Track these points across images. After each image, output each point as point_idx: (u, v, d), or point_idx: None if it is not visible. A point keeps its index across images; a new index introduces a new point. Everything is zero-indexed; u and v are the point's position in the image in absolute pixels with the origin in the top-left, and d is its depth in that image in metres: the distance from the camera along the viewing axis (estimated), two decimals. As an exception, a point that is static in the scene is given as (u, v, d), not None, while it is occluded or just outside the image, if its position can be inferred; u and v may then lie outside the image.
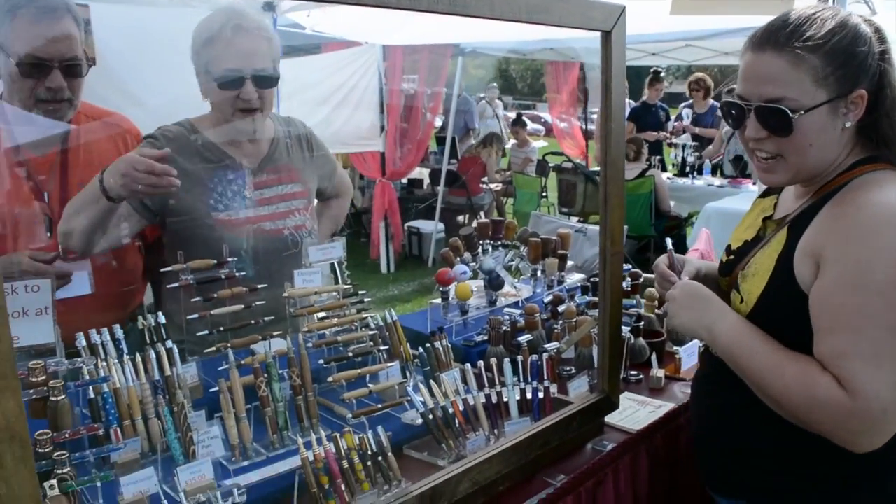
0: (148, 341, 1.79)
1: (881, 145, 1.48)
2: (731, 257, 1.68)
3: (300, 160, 2.39)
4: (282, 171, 2.31)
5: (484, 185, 9.23)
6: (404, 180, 9.45)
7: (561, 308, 2.28)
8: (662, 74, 8.71)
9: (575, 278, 2.85)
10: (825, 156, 1.45)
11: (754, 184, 7.44)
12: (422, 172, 10.11)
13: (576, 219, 7.43)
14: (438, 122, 10.21)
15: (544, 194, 8.92)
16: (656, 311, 2.55)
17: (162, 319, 1.81)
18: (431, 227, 8.15)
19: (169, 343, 1.75)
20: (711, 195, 7.13)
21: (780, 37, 1.41)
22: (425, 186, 10.04)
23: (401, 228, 8.06)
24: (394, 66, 7.31)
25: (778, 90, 1.40)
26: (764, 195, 1.76)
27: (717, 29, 6.33)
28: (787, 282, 1.44)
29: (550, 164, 8.86)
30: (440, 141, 9.81)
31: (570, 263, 2.85)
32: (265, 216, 2.24)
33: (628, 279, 2.56)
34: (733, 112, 1.49)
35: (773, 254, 1.49)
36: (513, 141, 9.90)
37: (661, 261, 1.78)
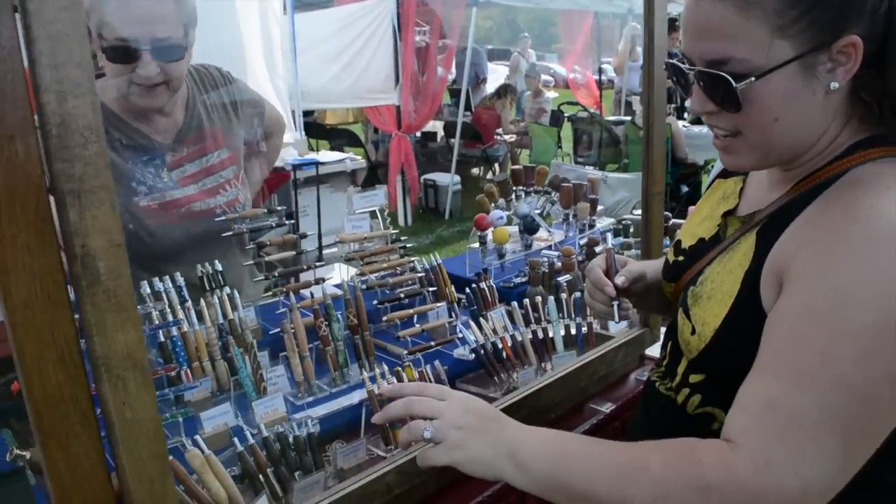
0: (208, 288, 1.86)
1: (890, 118, 1.03)
2: (681, 258, 1.28)
3: (223, 119, 2.09)
4: (205, 138, 2.03)
5: (498, 137, 9.23)
6: (418, 134, 9.45)
7: (597, 249, 2.34)
8: (678, 23, 8.62)
9: (605, 222, 2.90)
10: (802, 132, 1.04)
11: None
12: (435, 125, 10.11)
13: (591, 168, 7.46)
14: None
15: (560, 144, 8.92)
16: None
17: (219, 267, 1.88)
18: (447, 179, 8.19)
19: (227, 289, 1.84)
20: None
21: None
22: (439, 139, 10.05)
23: (417, 181, 8.10)
24: (407, 18, 7.27)
25: (720, 48, 0.99)
26: (725, 175, 1.32)
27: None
28: (756, 312, 1.03)
29: (566, 115, 8.84)
30: (453, 94, 9.79)
31: (599, 208, 2.90)
32: (193, 196, 1.98)
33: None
34: (676, 78, 1.10)
35: (737, 270, 1.08)
36: (527, 91, 9.86)
37: (597, 263, 1.46)
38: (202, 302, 1.77)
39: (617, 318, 1.43)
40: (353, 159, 5.72)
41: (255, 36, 5.88)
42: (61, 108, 0.83)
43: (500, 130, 9.32)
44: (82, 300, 0.89)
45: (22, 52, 0.81)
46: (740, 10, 0.96)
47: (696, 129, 7.77)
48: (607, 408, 1.71)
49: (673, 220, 2.71)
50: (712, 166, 7.12)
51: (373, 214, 2.20)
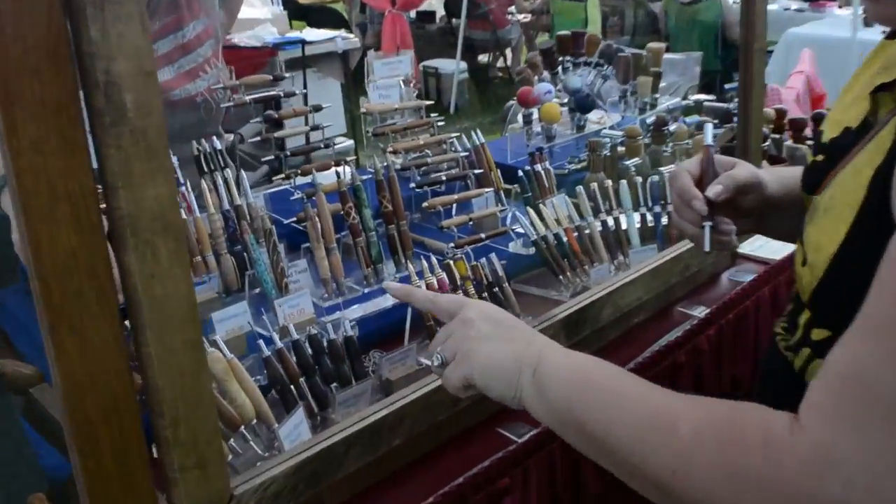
0: (206, 169, 1.77)
1: None
2: (820, 158, 1.03)
3: None
4: (179, 6, 1.96)
5: (511, 17, 9.00)
6: (412, 14, 9.20)
7: (672, 128, 2.25)
8: None
9: (670, 101, 2.81)
10: None
11: (841, 7, 7.25)
12: (432, 3, 9.84)
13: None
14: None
15: (585, 25, 8.71)
16: (773, 135, 2.53)
17: (218, 144, 1.79)
18: (452, 66, 7.99)
19: (230, 171, 1.75)
20: (788, 21, 6.94)
21: None
22: (438, 20, 9.80)
23: (416, 68, 7.91)
24: None
25: None
26: (892, 35, 1.01)
27: None
28: (884, 232, 0.76)
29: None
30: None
31: (662, 84, 2.80)
32: (170, 82, 1.95)
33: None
34: None
35: (866, 169, 0.86)
36: (545, -39, 9.56)
37: (687, 166, 1.21)
38: (203, 185, 1.68)
39: (707, 246, 1.15)
40: (344, 38, 5.54)
41: None
42: None
43: (512, 9, 9.08)
44: (104, 142, 0.81)
45: None
46: None
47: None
48: (700, 311, 1.65)
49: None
50: (771, 50, 6.95)
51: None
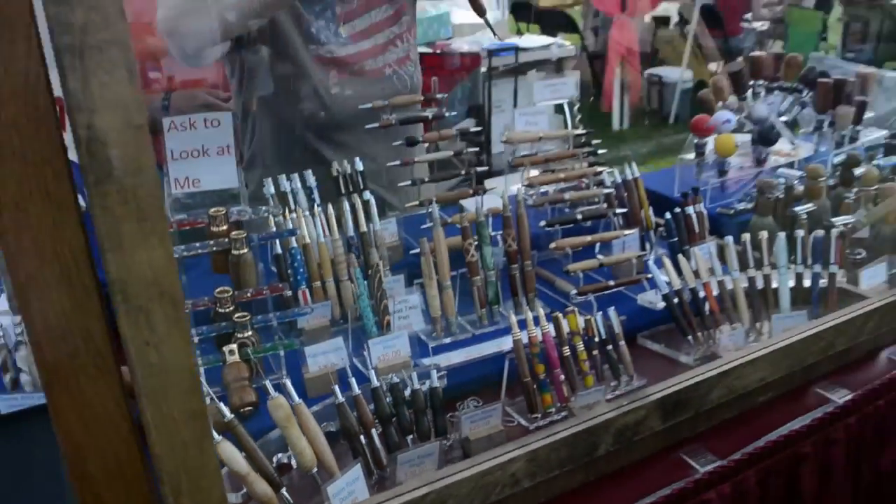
0: (343, 192, 1.71)
1: None
2: None
3: None
4: None
5: (746, 24, 8.42)
6: (647, 18, 8.84)
7: (857, 171, 1.94)
8: None
9: (874, 136, 2.44)
10: None
11: None
12: (668, 8, 9.41)
13: (863, 65, 6.61)
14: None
15: (824, 35, 7.98)
16: None
17: (360, 166, 1.72)
18: (677, 75, 7.61)
19: (367, 194, 1.68)
20: None
21: None
22: (672, 25, 9.36)
23: (640, 76, 7.60)
24: None
25: None
26: None
27: None
28: None
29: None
30: (694, -32, 9.03)
31: (868, 115, 2.44)
32: (364, 52, 2.00)
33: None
34: None
35: None
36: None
37: None
38: (329, 208, 1.62)
39: None
40: (560, 45, 5.37)
41: None
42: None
43: (748, 16, 8.48)
44: (91, 202, 0.74)
45: None
46: None
47: None
48: (841, 396, 1.39)
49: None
50: None
51: (558, 109, 1.95)
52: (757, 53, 2.36)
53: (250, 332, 1.33)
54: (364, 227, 1.61)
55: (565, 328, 1.36)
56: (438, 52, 4.78)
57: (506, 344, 1.48)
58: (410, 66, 2.07)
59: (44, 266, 0.74)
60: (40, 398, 1.38)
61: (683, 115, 7.69)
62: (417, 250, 1.61)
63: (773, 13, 8.49)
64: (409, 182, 1.74)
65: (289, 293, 1.48)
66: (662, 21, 9.39)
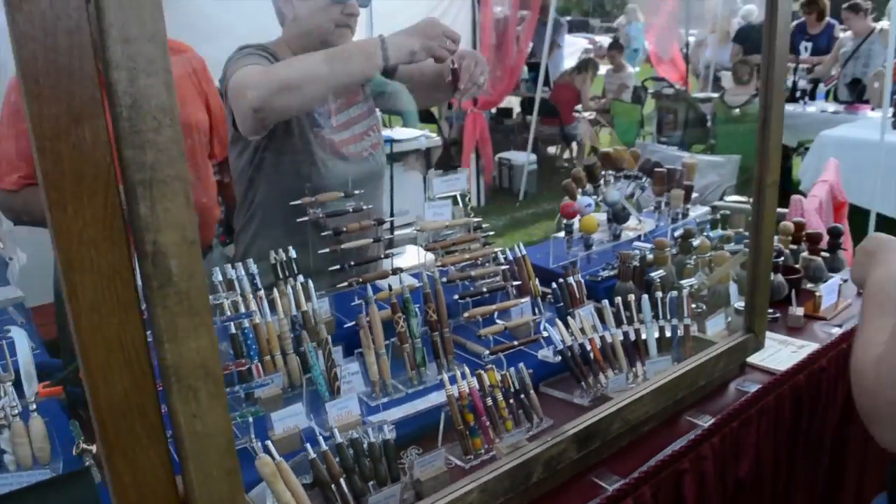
0: (280, 276, 1.81)
1: None
2: None
3: None
4: (352, 94, 2.22)
5: (577, 114, 9.01)
6: (493, 110, 9.30)
7: (695, 242, 2.21)
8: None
9: (699, 211, 2.76)
10: None
11: (873, 110, 7.04)
12: (511, 101, 9.93)
13: (675, 149, 7.20)
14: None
15: (642, 123, 8.66)
16: (791, 245, 2.45)
17: (293, 254, 1.83)
18: (523, 158, 8.03)
19: (302, 278, 1.78)
20: (824, 122, 6.78)
21: None
22: (515, 116, 9.88)
23: (492, 160, 7.98)
24: (487, -10, 7.12)
25: None
26: None
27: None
28: None
29: (649, 91, 8.57)
30: (531, 67, 9.60)
31: (694, 195, 2.75)
32: (348, 139, 2.18)
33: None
34: None
35: None
36: (607, 66, 9.59)
37: None
38: (275, 291, 1.72)
39: None
40: (428, 137, 5.63)
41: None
42: (132, 88, 0.77)
43: (579, 107, 9.10)
44: (153, 303, 0.84)
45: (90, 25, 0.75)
46: None
47: (792, 107, 7.42)
48: (705, 421, 1.59)
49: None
50: (807, 148, 6.78)
51: (453, 200, 2.12)
52: (605, 149, 2.63)
53: (223, 404, 1.40)
54: (305, 307, 1.71)
55: (487, 382, 1.52)
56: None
57: (434, 399, 1.62)
58: (381, 151, 2.27)
59: (110, 356, 0.83)
60: (22, 479, 1.40)
61: (531, 191, 8.11)
62: (349, 324, 1.73)
63: (599, 105, 9.14)
64: (337, 266, 1.86)
65: (245, 368, 1.56)
66: (506, 112, 9.88)
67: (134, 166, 0.79)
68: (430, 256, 1.97)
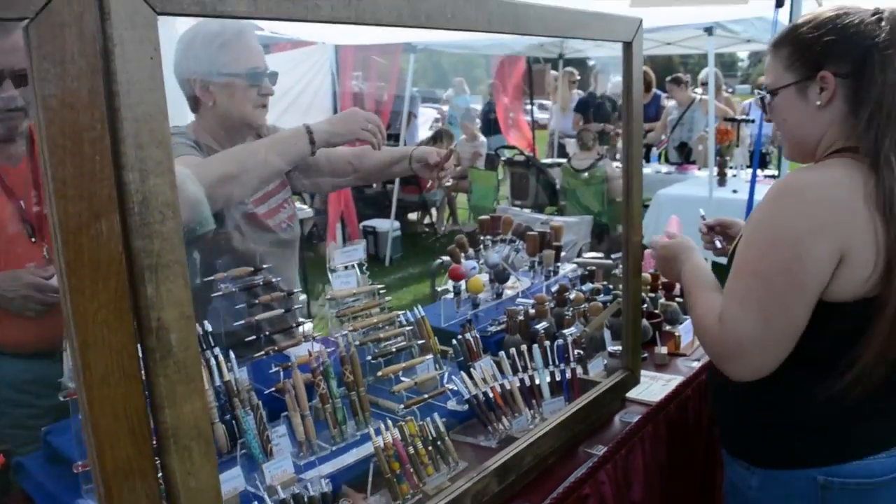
0: (201, 349, 1.89)
1: (860, 133, 1.50)
2: None
3: None
4: None
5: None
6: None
7: (570, 296, 2.46)
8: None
9: (567, 268, 3.04)
10: (804, 133, 1.60)
11: (699, 169, 7.81)
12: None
13: (528, 211, 7.65)
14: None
15: (498, 188, 9.12)
16: (650, 293, 2.76)
17: (209, 327, 1.91)
18: (387, 225, 8.26)
19: (217, 350, 1.87)
20: (660, 182, 7.44)
21: (773, 38, 1.68)
22: (375, 185, 10.12)
23: (357, 228, 8.15)
24: (346, 66, 7.39)
25: (766, 79, 1.68)
26: None
27: (671, 23, 6.66)
28: None
29: (502, 158, 9.07)
30: (389, 138, 9.91)
31: (563, 255, 3.03)
32: (266, 213, 2.33)
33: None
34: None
35: None
36: (462, 136, 10.06)
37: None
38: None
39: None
40: (300, 208, 5.74)
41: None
42: (143, 187, 0.89)
43: (436, 175, 9.43)
44: (154, 372, 0.94)
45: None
46: (773, 56, 1.63)
47: (632, 169, 8.06)
48: (599, 450, 1.81)
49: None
50: (646, 206, 7.41)
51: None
52: (484, 217, 2.87)
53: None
54: (227, 376, 1.80)
55: (408, 432, 1.66)
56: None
57: (357, 453, 1.75)
58: (296, 223, 2.45)
59: (117, 424, 0.92)
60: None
61: (396, 256, 8.32)
62: (268, 391, 1.83)
63: (456, 172, 9.52)
64: (253, 336, 1.96)
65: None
66: (368, 184, 10.09)
67: (143, 254, 0.91)
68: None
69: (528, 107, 11.94)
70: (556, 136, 10.46)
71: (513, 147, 9.71)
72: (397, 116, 8.89)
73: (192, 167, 1.91)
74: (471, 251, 2.77)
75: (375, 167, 2.49)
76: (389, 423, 1.66)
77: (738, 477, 1.72)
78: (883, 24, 1.51)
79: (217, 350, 1.86)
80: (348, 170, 2.46)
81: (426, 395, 1.90)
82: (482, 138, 9.77)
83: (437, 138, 9.04)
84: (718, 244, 2.16)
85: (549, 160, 9.55)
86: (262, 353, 1.92)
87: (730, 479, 1.77)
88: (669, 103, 8.79)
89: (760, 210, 1.56)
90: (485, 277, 2.75)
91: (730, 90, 9.41)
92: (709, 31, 6.29)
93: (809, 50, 1.55)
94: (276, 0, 1.04)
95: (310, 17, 1.08)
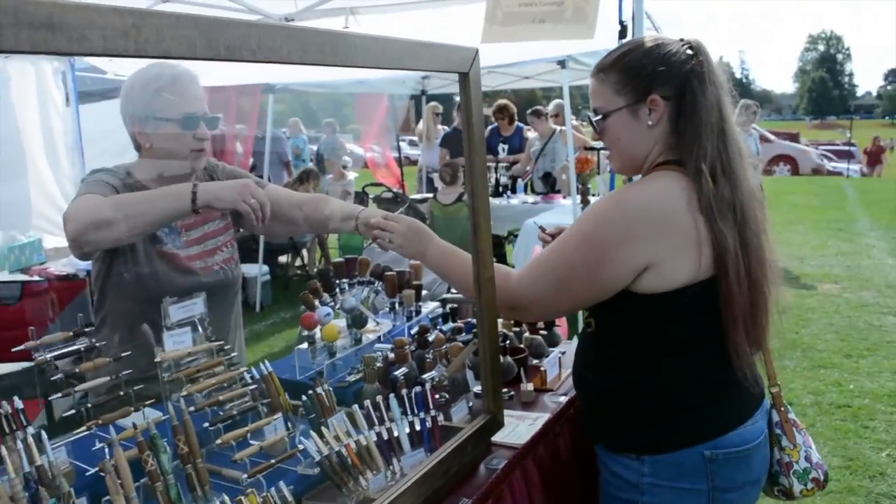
0: (7, 430, 1.65)
1: (682, 147, 1.73)
2: None
3: None
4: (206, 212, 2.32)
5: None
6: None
7: (430, 337, 2.35)
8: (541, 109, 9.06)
9: (430, 307, 2.93)
10: (636, 150, 1.80)
11: (564, 198, 7.97)
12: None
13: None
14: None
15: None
16: (514, 328, 2.69)
17: (20, 404, 1.68)
18: (256, 269, 7.97)
19: (31, 429, 1.64)
20: (527, 212, 7.55)
21: (598, 65, 1.83)
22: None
23: (224, 275, 7.81)
24: (201, 108, 7.11)
25: (596, 103, 1.82)
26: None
27: (526, 58, 6.80)
28: None
29: (370, 196, 8.97)
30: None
31: (424, 293, 2.93)
32: (196, 255, 2.33)
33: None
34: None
35: None
36: (329, 175, 9.90)
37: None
38: (2, 449, 1.56)
39: None
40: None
41: (35, 131, 5.51)
42: None
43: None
44: None
45: None
46: (601, 83, 1.79)
47: (498, 201, 8.16)
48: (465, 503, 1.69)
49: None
50: (516, 235, 7.48)
51: (193, 326, 2.08)
52: (338, 259, 2.72)
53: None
54: (38, 461, 1.57)
55: (251, 507, 1.49)
56: (37, 277, 4.54)
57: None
58: (234, 264, 2.47)
59: None
60: None
61: (267, 302, 8.04)
62: (91, 471, 1.61)
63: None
64: (73, 411, 1.74)
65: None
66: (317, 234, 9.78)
67: None
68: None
69: (396, 143, 11.92)
70: (425, 171, 10.48)
71: (380, 184, 9.64)
72: (261, 157, 8.62)
73: (75, 208, 2.04)
74: (326, 296, 2.62)
75: (327, 218, 2.45)
76: (226, 497, 1.48)
77: (627, 470, 1.82)
78: (692, 51, 1.73)
79: (30, 429, 1.64)
80: (297, 216, 2.50)
81: (273, 461, 1.73)
82: (350, 176, 9.65)
83: (302, 179, 8.84)
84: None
85: (419, 195, 9.53)
86: (84, 428, 1.70)
87: (616, 475, 1.85)
88: (531, 135, 8.97)
89: (594, 209, 1.79)
90: (342, 323, 2.61)
91: (583, 121, 9.68)
92: (562, 63, 6.44)
93: (639, 76, 1.74)
94: (32, 31, 0.88)
95: (76, 49, 0.92)
